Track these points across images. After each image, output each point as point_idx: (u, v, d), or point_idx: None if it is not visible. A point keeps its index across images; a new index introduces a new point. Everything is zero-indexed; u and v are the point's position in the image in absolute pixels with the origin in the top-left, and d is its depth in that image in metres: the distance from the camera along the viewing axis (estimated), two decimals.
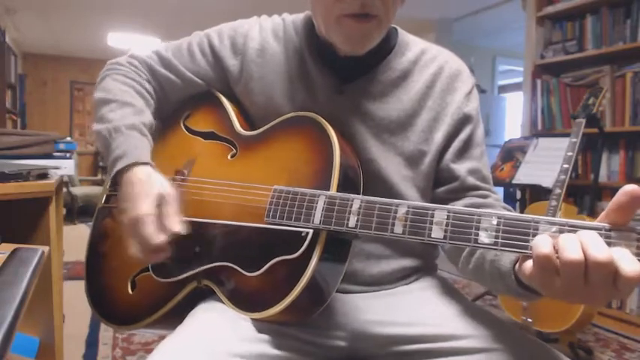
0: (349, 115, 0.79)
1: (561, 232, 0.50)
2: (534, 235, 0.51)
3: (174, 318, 0.75)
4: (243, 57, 0.84)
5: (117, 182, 0.77)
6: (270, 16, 0.89)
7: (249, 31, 0.85)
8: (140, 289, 0.81)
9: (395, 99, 0.80)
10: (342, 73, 0.80)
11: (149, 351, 1.99)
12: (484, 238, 0.54)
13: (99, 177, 7.02)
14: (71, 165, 1.52)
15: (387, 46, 0.81)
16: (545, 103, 2.94)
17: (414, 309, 0.76)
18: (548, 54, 2.95)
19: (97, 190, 5.87)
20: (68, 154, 1.55)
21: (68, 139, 1.59)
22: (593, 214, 2.30)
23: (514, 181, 2.47)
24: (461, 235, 0.56)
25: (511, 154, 2.61)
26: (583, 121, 2.06)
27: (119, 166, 0.75)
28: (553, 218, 0.51)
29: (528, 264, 0.52)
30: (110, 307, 0.84)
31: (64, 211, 2.68)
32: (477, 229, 0.55)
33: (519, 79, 5.12)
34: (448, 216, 0.57)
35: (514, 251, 0.53)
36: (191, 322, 0.69)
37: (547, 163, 2.36)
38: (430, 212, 0.58)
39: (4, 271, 0.59)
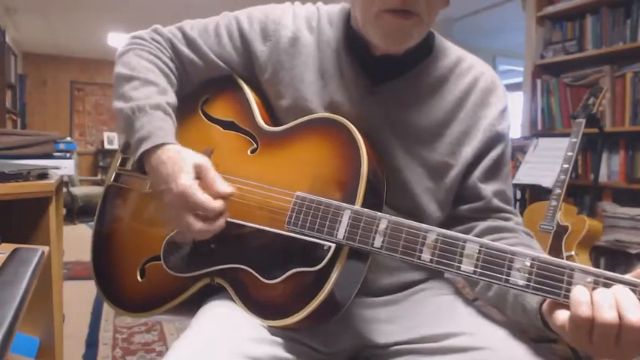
0: (378, 118, 0.76)
1: (596, 283, 0.50)
2: (568, 282, 0.51)
3: (185, 310, 0.75)
4: (274, 44, 0.80)
5: (141, 164, 0.76)
6: (304, 3, 0.86)
7: (282, 17, 0.81)
8: (150, 279, 0.79)
9: (427, 106, 0.77)
10: (375, 73, 0.77)
11: (149, 351, 1.99)
12: (517, 279, 0.54)
13: (99, 177, 7.03)
14: (71, 165, 1.52)
15: (424, 50, 0.78)
16: (545, 103, 2.94)
17: (418, 312, 0.76)
18: (548, 54, 2.95)
19: (97, 190, 5.87)
20: (68, 154, 1.55)
21: (68, 139, 1.60)
22: (593, 214, 2.30)
23: (514, 181, 2.47)
24: (492, 272, 0.55)
25: (511, 154, 2.61)
26: (583, 121, 2.06)
27: (144, 147, 0.73)
28: (588, 267, 0.51)
29: (560, 315, 0.52)
30: (117, 292, 0.82)
31: (64, 211, 2.69)
32: (510, 268, 0.54)
33: (519, 79, 5.12)
34: (480, 250, 0.56)
35: (546, 296, 0.53)
36: (204, 320, 0.68)
37: (547, 163, 2.36)
38: (461, 243, 0.57)
39: (4, 271, 0.59)
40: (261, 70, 0.82)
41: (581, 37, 2.80)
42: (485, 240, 0.57)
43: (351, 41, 0.78)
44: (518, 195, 2.87)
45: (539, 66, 3.00)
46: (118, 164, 0.90)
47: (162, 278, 0.77)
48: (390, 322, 0.75)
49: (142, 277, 0.79)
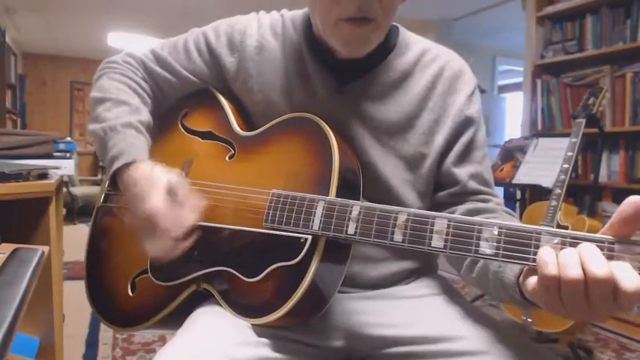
0: (348, 116, 0.78)
1: (563, 243, 0.49)
2: (536, 246, 0.51)
3: (174, 320, 0.75)
4: (241, 54, 0.83)
5: (115, 182, 0.77)
6: (269, 12, 0.88)
7: (247, 27, 0.84)
8: (140, 291, 0.80)
9: (395, 100, 0.79)
10: (341, 74, 0.79)
11: (149, 351, 1.99)
12: (485, 248, 0.53)
13: (99, 177, 7.02)
14: (71, 165, 1.52)
15: (387, 47, 0.80)
16: (545, 103, 2.94)
17: (411, 310, 0.76)
18: (548, 54, 2.95)
19: (97, 190, 5.85)
20: (68, 154, 1.55)
21: (68, 139, 1.59)
22: (593, 214, 2.30)
23: (514, 181, 2.47)
24: (462, 244, 0.55)
25: (511, 154, 2.61)
26: (583, 121, 2.06)
27: (117, 165, 0.74)
28: (555, 229, 0.51)
29: (532, 280, 0.52)
30: (111, 308, 0.84)
31: (64, 211, 2.68)
32: (478, 239, 0.54)
33: (519, 79, 5.12)
34: (449, 225, 0.56)
35: (515, 262, 0.52)
36: (191, 327, 0.68)
37: (547, 163, 2.36)
38: (430, 220, 0.57)
39: (4, 271, 0.58)
40: (233, 80, 0.84)
41: (581, 37, 2.80)
42: (454, 215, 0.57)
43: (315, 45, 0.80)
44: (519, 195, 2.87)
45: (539, 66, 3.00)
46: (106, 186, 0.92)
47: (151, 290, 0.78)
48: (380, 315, 0.75)
49: (132, 292, 0.81)
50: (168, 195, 0.70)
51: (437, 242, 0.56)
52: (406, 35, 0.83)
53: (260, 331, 0.68)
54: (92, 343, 2.09)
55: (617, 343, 2.28)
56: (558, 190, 1.94)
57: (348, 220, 0.62)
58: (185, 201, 0.71)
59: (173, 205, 0.70)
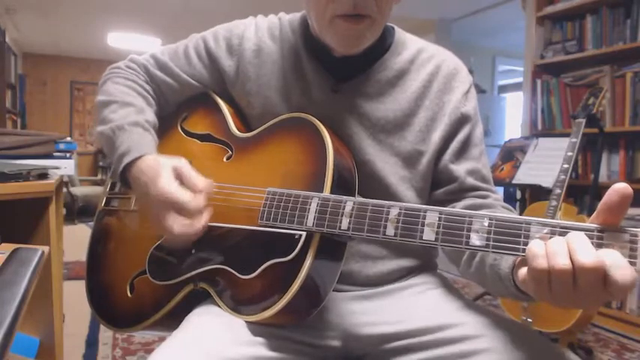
0: (345, 114, 0.79)
1: (553, 233, 0.49)
2: (526, 236, 0.51)
3: (172, 320, 0.75)
4: (240, 58, 0.84)
5: (125, 179, 0.77)
6: (267, 15, 0.89)
7: (245, 31, 0.85)
8: (138, 292, 0.81)
9: (391, 98, 0.79)
10: (337, 73, 0.80)
11: (149, 351, 1.99)
12: (475, 240, 0.53)
13: (99, 177, 7.02)
14: (71, 165, 1.52)
15: (383, 46, 0.81)
16: (545, 103, 2.94)
17: (409, 305, 0.76)
18: (548, 54, 2.95)
19: (97, 190, 5.87)
20: (68, 154, 1.55)
21: (68, 139, 1.59)
22: (593, 214, 2.29)
23: (514, 181, 2.47)
24: (452, 237, 0.55)
25: (511, 154, 2.61)
26: (583, 121, 2.06)
27: (126, 160, 0.75)
28: (544, 219, 0.51)
29: (523, 270, 0.52)
30: (111, 309, 0.84)
31: (64, 211, 2.68)
32: (469, 230, 0.54)
33: (519, 79, 5.12)
34: (440, 217, 0.56)
35: (506, 253, 0.52)
36: (186, 326, 0.69)
37: (547, 163, 2.36)
38: (422, 214, 0.58)
39: (4, 271, 0.59)
40: (231, 83, 0.85)
41: (581, 37, 2.80)
42: (446, 208, 0.57)
43: (312, 44, 0.81)
44: (519, 195, 2.87)
45: (539, 66, 3.00)
46: (107, 189, 0.93)
47: (149, 290, 0.79)
48: (378, 314, 0.75)
49: (131, 293, 0.81)
50: (176, 178, 0.72)
51: (428, 235, 0.57)
52: (402, 35, 0.84)
53: (256, 330, 0.68)
54: (92, 343, 2.09)
55: (617, 343, 2.28)
56: (558, 190, 1.94)
57: (342, 216, 0.63)
58: (192, 178, 0.72)
59: (182, 186, 0.71)
